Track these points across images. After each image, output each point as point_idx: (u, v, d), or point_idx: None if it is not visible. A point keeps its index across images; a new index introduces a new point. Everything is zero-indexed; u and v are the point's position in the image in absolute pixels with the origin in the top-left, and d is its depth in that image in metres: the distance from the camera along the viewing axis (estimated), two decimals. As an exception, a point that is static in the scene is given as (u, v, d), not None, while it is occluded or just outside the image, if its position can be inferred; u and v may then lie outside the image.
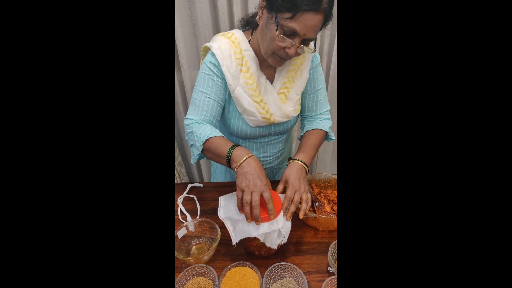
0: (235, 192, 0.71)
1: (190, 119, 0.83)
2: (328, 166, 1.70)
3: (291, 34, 0.69)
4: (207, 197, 0.99)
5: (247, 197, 0.65)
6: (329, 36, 1.31)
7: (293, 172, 0.77)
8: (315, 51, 0.74)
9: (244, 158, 0.70)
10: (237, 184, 0.68)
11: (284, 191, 0.76)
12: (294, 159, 0.82)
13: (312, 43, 0.77)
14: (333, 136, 0.99)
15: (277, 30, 0.69)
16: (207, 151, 0.79)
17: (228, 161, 0.73)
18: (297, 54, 0.74)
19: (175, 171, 1.56)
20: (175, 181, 1.55)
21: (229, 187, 1.04)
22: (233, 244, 0.68)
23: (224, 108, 0.88)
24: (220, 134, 0.79)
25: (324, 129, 0.93)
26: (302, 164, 0.81)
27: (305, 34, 0.69)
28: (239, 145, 0.75)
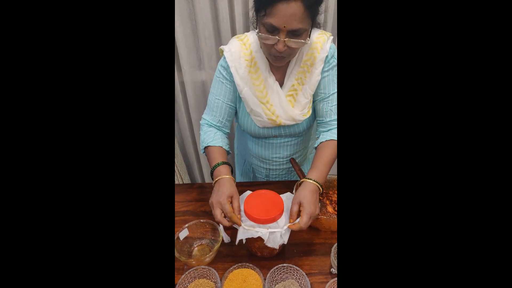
0: (243, 194, 0.77)
1: (204, 119, 0.94)
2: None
3: (273, 30, 0.69)
4: (209, 197, 0.99)
5: (213, 212, 0.73)
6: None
7: (308, 195, 0.72)
8: (307, 42, 0.71)
9: (216, 179, 0.78)
10: None
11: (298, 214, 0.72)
12: (308, 178, 0.77)
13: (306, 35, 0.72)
14: None
15: (257, 29, 0.72)
16: (206, 155, 0.90)
17: (211, 174, 0.83)
18: (290, 49, 0.72)
19: (177, 171, 1.56)
20: (177, 182, 1.55)
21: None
22: (236, 243, 0.68)
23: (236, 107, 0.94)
24: (219, 144, 0.87)
25: None
26: (316, 185, 0.75)
27: (284, 26, 0.67)
28: (224, 163, 0.81)
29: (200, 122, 0.95)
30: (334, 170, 1.68)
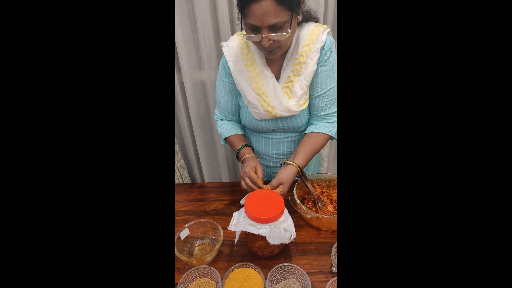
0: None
1: (215, 114, 1.05)
2: (330, 166, 1.70)
3: (254, 29, 0.73)
4: (210, 197, 0.99)
5: (241, 184, 0.87)
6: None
7: (288, 177, 0.84)
8: (288, 33, 0.72)
9: (242, 160, 0.92)
10: None
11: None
12: (291, 162, 0.86)
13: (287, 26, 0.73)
14: None
15: (241, 30, 0.78)
16: (229, 145, 1.02)
17: (237, 158, 0.97)
18: (276, 42, 0.75)
19: (177, 171, 1.56)
20: (177, 182, 1.55)
21: (230, 187, 1.04)
22: (235, 238, 0.68)
23: None
24: (235, 132, 0.99)
25: (330, 134, 0.91)
26: (296, 168, 0.86)
27: (262, 24, 0.70)
28: (245, 146, 0.95)
29: (214, 117, 1.06)
30: (334, 170, 1.68)
